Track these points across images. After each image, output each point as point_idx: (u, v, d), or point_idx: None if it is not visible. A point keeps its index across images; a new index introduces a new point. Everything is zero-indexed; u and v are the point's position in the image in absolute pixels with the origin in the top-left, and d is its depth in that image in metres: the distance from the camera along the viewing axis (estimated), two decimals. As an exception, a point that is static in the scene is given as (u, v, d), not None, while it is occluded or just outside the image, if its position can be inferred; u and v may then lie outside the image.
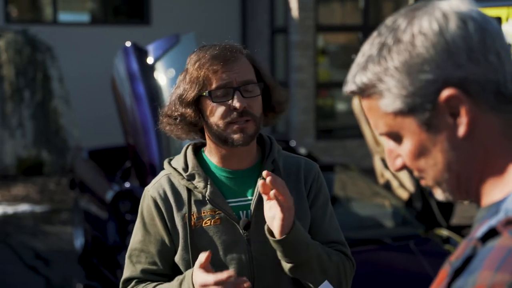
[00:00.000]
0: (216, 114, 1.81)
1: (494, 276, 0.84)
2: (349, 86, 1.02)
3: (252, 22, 10.60)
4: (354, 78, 1.01)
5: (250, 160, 1.91)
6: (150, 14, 10.31)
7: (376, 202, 4.89)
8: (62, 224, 7.36)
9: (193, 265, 1.83)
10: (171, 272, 1.92)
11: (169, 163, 1.93)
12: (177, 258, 1.87)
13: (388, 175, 5.09)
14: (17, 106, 8.39)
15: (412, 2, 10.05)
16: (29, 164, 9.35)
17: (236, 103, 1.79)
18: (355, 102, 5.52)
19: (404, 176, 4.84)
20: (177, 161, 1.92)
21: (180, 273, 1.88)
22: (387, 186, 5.17)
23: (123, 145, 6.32)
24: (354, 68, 1.02)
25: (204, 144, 1.94)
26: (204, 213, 1.85)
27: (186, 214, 1.85)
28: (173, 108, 1.85)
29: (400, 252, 4.27)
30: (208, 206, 1.85)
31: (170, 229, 1.87)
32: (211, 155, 1.91)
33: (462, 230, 6.57)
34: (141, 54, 4.45)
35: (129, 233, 5.04)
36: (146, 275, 1.90)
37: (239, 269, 1.84)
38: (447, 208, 6.12)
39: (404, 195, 4.85)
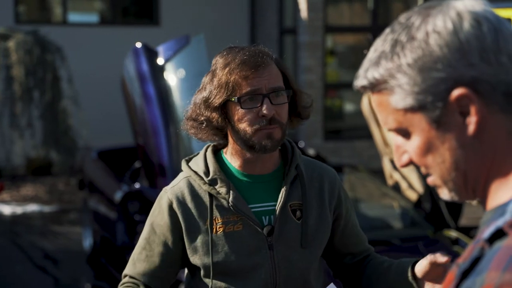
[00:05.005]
0: (244, 121, 1.78)
1: (501, 276, 0.85)
2: (360, 81, 1.03)
3: (261, 23, 10.60)
4: (366, 73, 1.01)
5: (272, 165, 1.89)
6: (159, 14, 10.33)
7: (385, 203, 4.89)
8: (70, 224, 7.39)
9: (213, 270, 1.82)
10: (167, 274, 1.91)
11: (188, 165, 1.90)
12: (197, 262, 1.85)
13: (397, 176, 5.09)
14: (27, 107, 8.42)
15: (421, 3, 10.04)
16: (38, 164, 9.38)
17: (265, 111, 1.76)
18: (364, 102, 5.52)
19: (413, 177, 4.83)
20: (197, 164, 1.88)
21: (195, 274, 1.87)
22: (396, 187, 5.16)
23: (132, 146, 6.34)
24: (366, 63, 1.02)
25: (223, 145, 1.91)
26: (226, 218, 1.83)
27: (208, 220, 1.82)
28: (198, 112, 1.82)
29: (409, 253, 4.26)
30: (231, 211, 1.83)
31: (185, 234, 1.84)
32: (233, 159, 1.88)
33: (470, 231, 6.57)
34: (151, 55, 4.46)
35: (137, 234, 5.06)
36: (140, 276, 1.89)
37: (262, 275, 1.82)
38: (455, 209, 6.10)
39: (413, 196, 4.84)
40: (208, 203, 1.83)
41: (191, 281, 1.93)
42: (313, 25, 9.49)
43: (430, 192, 4.63)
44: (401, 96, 0.98)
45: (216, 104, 1.78)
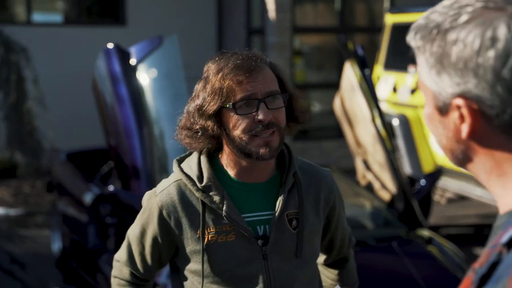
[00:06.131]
0: (239, 127, 1.72)
1: None
2: (410, 36, 1.05)
3: (228, 23, 10.58)
4: (415, 34, 1.03)
5: (268, 172, 1.84)
6: (126, 14, 10.23)
7: (358, 203, 4.91)
8: (38, 227, 7.26)
9: (205, 280, 1.79)
10: (159, 266, 1.92)
11: (180, 167, 1.84)
12: (188, 270, 1.83)
13: (370, 176, 5.11)
14: (-10, 108, 8.27)
15: (387, 6, 10.12)
16: (2, 166, 9.20)
17: (261, 116, 1.71)
18: (337, 103, 5.54)
19: (386, 177, 4.86)
20: (190, 167, 1.82)
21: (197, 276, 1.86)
22: (369, 187, 5.19)
23: (102, 147, 6.27)
24: (422, 20, 1.03)
25: (217, 149, 1.86)
26: (219, 228, 1.78)
27: (200, 229, 1.77)
28: (192, 120, 1.77)
29: (384, 253, 4.29)
30: (224, 221, 1.77)
31: (177, 240, 1.82)
32: (228, 166, 1.82)
33: (438, 229, 6.65)
34: (124, 55, 4.40)
35: (109, 236, 5.00)
36: (133, 267, 1.92)
37: (256, 286, 1.79)
38: (424, 208, 6.17)
39: (386, 196, 4.87)
40: (200, 211, 1.78)
41: (181, 284, 1.89)
42: (281, 26, 9.50)
43: (403, 192, 4.66)
44: (422, 68, 1.03)
45: (210, 112, 1.72)
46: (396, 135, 6.82)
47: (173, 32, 5.15)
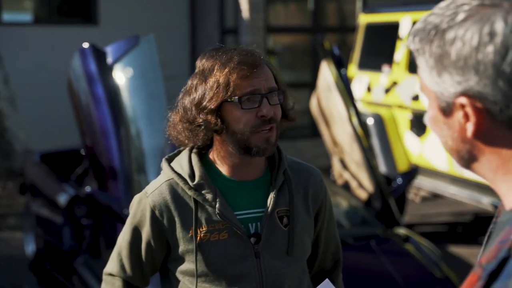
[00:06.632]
0: (242, 121, 1.73)
1: None
2: (409, 40, 1.06)
3: (202, 23, 10.54)
4: (414, 37, 1.03)
5: (259, 170, 1.84)
6: (97, 14, 10.14)
7: (335, 202, 4.92)
8: (10, 229, 7.15)
9: (198, 279, 1.78)
10: (151, 272, 1.89)
11: (170, 165, 1.83)
12: (181, 270, 1.82)
13: (347, 175, 5.13)
14: (-40, 108, 8.13)
15: (360, 5, 10.18)
16: (-28, 168, 9.06)
17: (264, 111, 1.73)
18: (313, 102, 5.55)
19: (363, 176, 4.88)
20: (181, 166, 1.82)
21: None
22: (346, 186, 5.20)
23: (76, 148, 6.20)
24: (421, 24, 1.03)
25: (205, 148, 1.85)
26: (211, 227, 1.77)
27: (193, 227, 1.77)
28: (191, 115, 1.76)
29: (362, 252, 4.30)
30: (216, 219, 1.77)
31: (170, 240, 1.80)
32: (219, 163, 1.82)
33: (413, 228, 6.70)
34: (100, 55, 4.35)
35: (85, 238, 4.95)
36: (125, 275, 1.89)
37: (248, 283, 1.79)
38: (398, 207, 6.22)
39: (363, 195, 4.89)
40: (193, 209, 1.78)
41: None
42: (255, 26, 9.50)
43: (380, 190, 4.68)
44: (422, 70, 1.03)
45: (213, 106, 1.73)
46: (370, 134, 6.86)
47: (146, 32, 5.11)
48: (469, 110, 0.97)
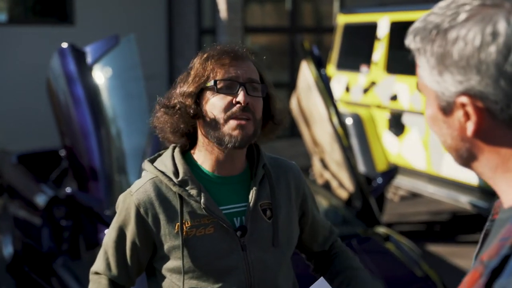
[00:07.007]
0: (217, 106, 1.76)
1: None
2: (409, 39, 1.06)
3: (179, 23, 10.51)
4: (415, 37, 1.04)
5: (240, 165, 1.86)
6: (73, 14, 10.06)
7: (316, 202, 4.93)
8: (-14, 231, 7.07)
9: (186, 275, 1.79)
10: (137, 272, 1.90)
11: (153, 165, 1.85)
12: (168, 267, 1.82)
13: (327, 175, 5.15)
14: None
15: (337, 6, 10.22)
16: None
17: (240, 97, 1.75)
18: (293, 102, 5.56)
19: (343, 175, 4.90)
20: (164, 164, 1.84)
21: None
22: (326, 186, 5.22)
23: (54, 149, 6.15)
24: (420, 23, 1.03)
25: (188, 147, 1.89)
26: (197, 222, 1.79)
27: (178, 224, 1.78)
28: (172, 98, 1.82)
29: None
30: (202, 214, 1.79)
31: (155, 238, 1.81)
32: (202, 159, 1.85)
33: (391, 227, 6.74)
34: (79, 55, 4.32)
35: (64, 239, 4.90)
36: (111, 274, 1.90)
37: (236, 277, 1.80)
38: (377, 206, 6.25)
39: (343, 194, 4.91)
40: (178, 206, 1.79)
41: (158, 287, 1.87)
42: (233, 26, 9.49)
43: (361, 190, 4.71)
44: (423, 69, 1.03)
45: (191, 89, 1.78)
46: (349, 134, 6.89)
47: (122, 32, 5.09)
48: (469, 109, 0.98)
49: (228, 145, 1.77)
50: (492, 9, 0.98)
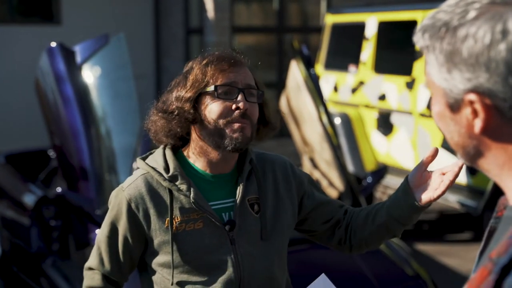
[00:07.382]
0: (216, 112, 1.78)
1: None
2: (418, 36, 1.06)
3: (166, 23, 10.49)
4: (423, 34, 1.04)
5: (233, 164, 1.89)
6: (60, 14, 10.02)
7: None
8: (-27, 232, 7.02)
9: (175, 269, 1.82)
10: (130, 268, 1.93)
11: (145, 162, 1.88)
12: (158, 261, 1.85)
13: (317, 174, 5.16)
14: None
15: (324, 6, 10.24)
16: None
17: (240, 103, 1.78)
18: (283, 102, 5.56)
19: (333, 175, 4.92)
20: (155, 161, 1.87)
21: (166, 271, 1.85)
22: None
23: (42, 149, 6.12)
24: (428, 20, 1.03)
25: (179, 146, 1.92)
26: (186, 217, 1.82)
27: (168, 218, 1.81)
28: (169, 103, 1.83)
29: (333, 250, 4.32)
30: (191, 209, 1.82)
31: (146, 233, 1.84)
32: (195, 158, 1.87)
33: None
34: (68, 54, 4.31)
35: (53, 239, 4.88)
36: (105, 270, 1.92)
37: (226, 271, 1.82)
38: (367, 205, 6.27)
39: (333, 193, 4.92)
40: (168, 201, 1.82)
41: (150, 281, 1.90)
42: (220, 25, 9.48)
43: (351, 189, 4.72)
44: (431, 67, 1.03)
45: (189, 95, 1.79)
46: (338, 134, 6.91)
47: (109, 31, 5.07)
48: (478, 106, 0.98)
49: (228, 148, 1.79)
50: (502, 7, 0.98)
